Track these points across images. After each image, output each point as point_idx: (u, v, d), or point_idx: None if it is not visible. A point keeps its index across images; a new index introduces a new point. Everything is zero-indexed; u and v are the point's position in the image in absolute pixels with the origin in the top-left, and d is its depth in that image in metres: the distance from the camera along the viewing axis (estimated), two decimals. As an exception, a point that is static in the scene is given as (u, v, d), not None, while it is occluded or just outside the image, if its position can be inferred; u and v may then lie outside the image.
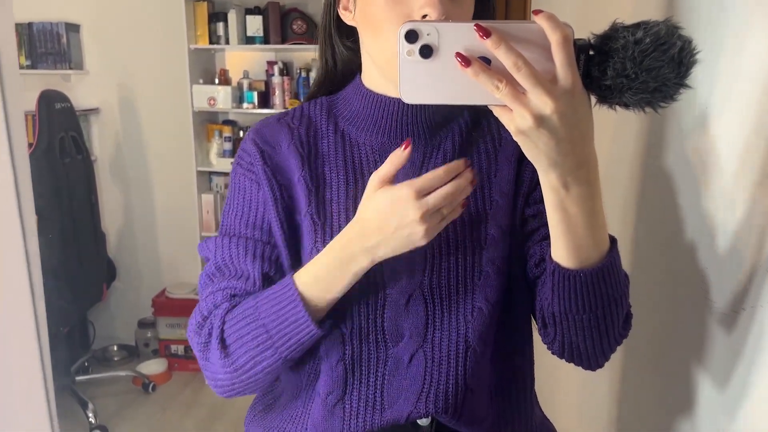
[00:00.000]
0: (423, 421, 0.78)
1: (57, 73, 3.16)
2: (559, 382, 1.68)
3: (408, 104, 0.76)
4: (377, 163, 0.79)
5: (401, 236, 0.68)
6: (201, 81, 2.98)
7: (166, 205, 3.38)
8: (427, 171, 0.74)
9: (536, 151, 0.57)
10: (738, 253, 0.77)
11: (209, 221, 3.10)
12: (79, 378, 2.98)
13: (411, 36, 0.56)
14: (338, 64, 0.87)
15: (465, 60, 0.54)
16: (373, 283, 0.77)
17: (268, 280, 0.79)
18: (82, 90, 3.26)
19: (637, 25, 0.56)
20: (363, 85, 0.83)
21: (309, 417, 0.81)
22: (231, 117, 3.22)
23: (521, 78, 0.53)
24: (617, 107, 0.59)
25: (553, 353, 0.78)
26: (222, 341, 0.76)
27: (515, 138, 0.57)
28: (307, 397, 0.83)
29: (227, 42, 2.96)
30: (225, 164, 3.05)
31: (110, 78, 3.25)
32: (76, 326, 3.25)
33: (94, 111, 3.28)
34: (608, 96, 0.57)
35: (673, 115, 0.95)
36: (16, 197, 1.53)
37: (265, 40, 2.97)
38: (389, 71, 0.75)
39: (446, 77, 0.57)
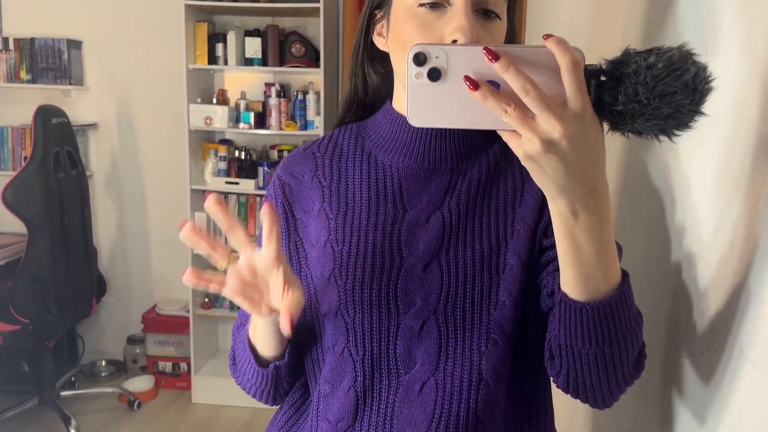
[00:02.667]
0: None
1: (57, 88, 3.19)
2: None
3: (438, 129, 0.79)
4: (401, 186, 0.82)
5: None
6: (199, 100, 3.00)
7: (160, 222, 3.38)
8: (453, 199, 0.80)
9: (544, 177, 0.56)
10: (700, 298, 0.77)
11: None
12: (64, 393, 2.97)
13: (419, 58, 0.56)
14: (368, 90, 0.88)
15: (473, 83, 0.54)
16: (386, 308, 0.77)
17: None
18: (81, 105, 3.29)
19: (649, 51, 0.55)
20: (393, 109, 0.84)
21: None
22: (227, 136, 3.25)
23: (530, 101, 0.52)
24: (630, 134, 0.57)
25: (558, 387, 0.75)
26: (234, 358, 0.88)
27: (524, 163, 0.56)
28: (311, 421, 0.83)
29: (226, 63, 2.99)
30: (219, 183, 3.06)
31: (109, 94, 3.28)
32: (64, 340, 3.24)
33: (93, 126, 3.31)
34: (620, 122, 0.56)
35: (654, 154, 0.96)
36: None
37: (264, 62, 2.99)
38: None
39: (454, 101, 0.56)
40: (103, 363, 3.37)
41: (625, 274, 0.66)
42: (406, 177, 0.82)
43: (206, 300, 3.18)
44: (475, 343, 0.77)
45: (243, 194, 3.17)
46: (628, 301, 0.66)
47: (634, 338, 0.68)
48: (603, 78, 0.56)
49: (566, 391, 0.74)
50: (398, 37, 0.76)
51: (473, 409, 0.76)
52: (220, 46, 2.97)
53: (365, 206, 0.82)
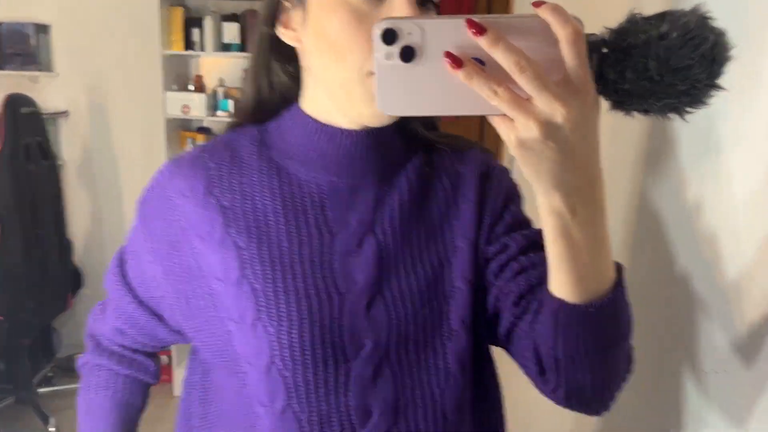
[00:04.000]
0: None
1: (25, 74, 3.07)
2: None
3: (360, 136, 0.69)
4: (324, 206, 0.70)
5: None
6: (175, 87, 2.91)
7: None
8: (384, 217, 0.70)
9: (539, 168, 0.48)
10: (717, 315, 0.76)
11: (180, 230, 3.03)
12: (41, 390, 2.89)
13: (389, 36, 0.47)
14: (275, 91, 0.74)
15: (456, 60, 0.45)
16: (333, 356, 0.66)
17: (119, 333, 0.83)
18: (50, 92, 3.17)
19: (660, 17, 0.47)
20: (304, 113, 0.71)
21: None
22: (205, 125, 3.16)
23: (525, 81, 0.44)
24: (636, 114, 0.50)
25: (555, 401, 0.67)
26: (81, 385, 0.87)
27: (514, 152, 0.47)
28: None
29: (203, 48, 2.90)
30: (198, 173, 2.99)
31: (80, 81, 3.17)
32: (38, 335, 3.15)
33: (63, 114, 3.19)
34: (627, 101, 0.49)
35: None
36: None
37: (242, 47, 2.91)
38: (347, 98, 0.66)
39: (432, 83, 0.47)
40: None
41: (619, 267, 0.59)
42: (328, 194, 0.70)
43: (186, 292, 3.13)
44: (434, 382, 0.69)
45: (222, 183, 3.10)
46: (626, 296, 0.59)
47: (630, 334, 0.62)
48: (605, 50, 0.48)
49: (565, 404, 0.65)
50: (321, 30, 0.64)
51: None
52: (196, 32, 2.88)
53: (283, 232, 0.68)
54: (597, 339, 0.58)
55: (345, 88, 0.65)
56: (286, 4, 0.68)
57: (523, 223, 0.75)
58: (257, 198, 0.70)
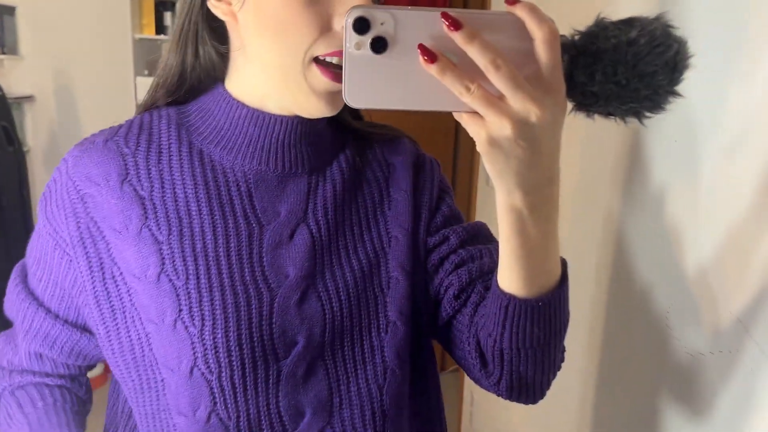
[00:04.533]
0: None
1: (-12, 56, 2.97)
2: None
3: (291, 122, 0.65)
4: (251, 195, 0.65)
5: None
6: (146, 72, 2.85)
7: (105, 201, 3.23)
8: (317, 208, 0.67)
9: (505, 167, 0.47)
10: (708, 297, 0.76)
11: (151, 219, 2.98)
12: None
13: (361, 25, 0.45)
14: (198, 69, 0.67)
15: (430, 55, 0.44)
16: (262, 357, 0.62)
17: (36, 358, 0.71)
18: (15, 76, 3.07)
19: (629, 23, 0.48)
20: (230, 95, 0.66)
21: None
22: (177, 111, 3.11)
23: (500, 80, 0.43)
24: (598, 116, 0.51)
25: (495, 393, 0.67)
26: None
27: (483, 150, 0.46)
28: None
29: (175, 33, 2.85)
30: (169, 160, 2.94)
31: (46, 64, 3.08)
32: (1, 325, 3.06)
33: (28, 99, 3.10)
34: (592, 104, 0.49)
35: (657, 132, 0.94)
36: None
37: (215, 32, 2.87)
38: (285, 85, 0.62)
39: (402, 76, 0.46)
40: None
41: (564, 263, 0.60)
42: (255, 183, 0.66)
43: (157, 282, 3.07)
44: (371, 377, 0.66)
45: (194, 172, 3.06)
46: (568, 291, 0.60)
47: (568, 324, 0.63)
48: (575, 53, 0.49)
49: (507, 395, 0.66)
50: (263, 6, 0.59)
51: None
52: (168, 15, 2.83)
53: (208, 224, 0.64)
54: (541, 332, 0.58)
55: (283, 73, 0.61)
56: None
57: (458, 215, 0.75)
58: (178, 187, 0.64)
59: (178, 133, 0.67)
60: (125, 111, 3.01)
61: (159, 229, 0.63)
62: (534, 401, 0.67)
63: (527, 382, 0.63)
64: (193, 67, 0.67)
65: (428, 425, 0.75)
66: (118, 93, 2.99)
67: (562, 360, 0.67)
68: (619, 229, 1.04)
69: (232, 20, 0.62)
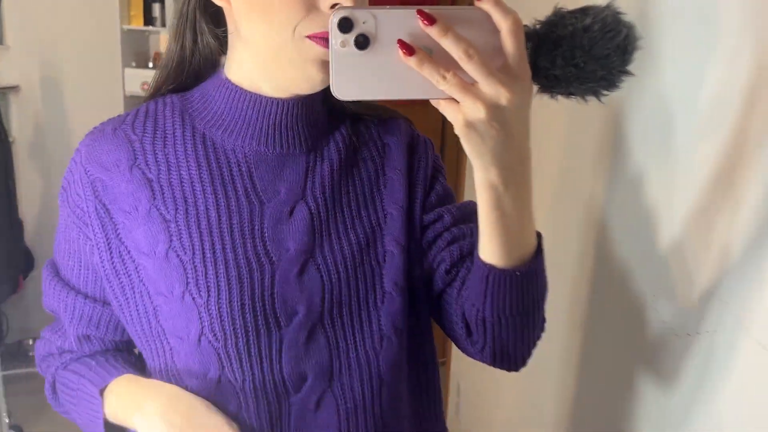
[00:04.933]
0: None
1: (-28, 46, 2.94)
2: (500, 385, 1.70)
3: (287, 105, 0.69)
4: (252, 176, 0.70)
5: None
6: (134, 64, 2.84)
7: (92, 193, 3.21)
8: (315, 185, 0.71)
9: (481, 146, 0.52)
10: (693, 278, 0.78)
11: (138, 211, 2.97)
12: (-11, 375, 2.79)
13: (345, 24, 0.50)
14: (198, 55, 0.72)
15: (408, 48, 0.49)
16: (265, 325, 0.66)
17: (86, 340, 0.77)
18: (1, 66, 3.04)
19: (583, 12, 0.54)
20: (230, 80, 0.70)
21: None
22: (165, 103, 3.10)
23: (473, 68, 0.48)
24: (561, 97, 0.57)
25: (479, 360, 0.73)
26: (54, 391, 0.79)
27: (460, 132, 0.51)
28: None
29: (163, 24, 2.84)
30: (157, 152, 2.93)
31: (33, 54, 3.05)
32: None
33: (14, 89, 3.07)
34: (555, 86, 0.55)
35: (636, 121, 0.96)
36: None
37: (204, 24, 2.86)
38: (277, 63, 0.65)
39: (384, 69, 0.51)
40: (30, 342, 3.19)
41: (539, 235, 0.64)
42: (255, 164, 0.70)
43: (144, 274, 3.07)
44: (368, 345, 0.70)
45: (182, 164, 3.05)
46: (544, 262, 0.66)
47: (546, 295, 0.69)
48: (537, 41, 0.55)
49: (490, 361, 0.71)
50: None
51: (378, 414, 0.71)
52: (156, 6, 2.82)
53: (212, 203, 0.68)
54: (520, 300, 0.64)
55: (274, 52, 0.64)
56: None
57: (450, 194, 0.79)
58: (183, 169, 0.69)
59: (181, 118, 0.71)
60: (113, 102, 2.99)
61: (166, 208, 0.68)
62: (516, 368, 0.73)
63: (508, 349, 0.69)
64: (193, 54, 0.71)
65: (426, 400, 0.79)
66: (106, 84, 2.97)
67: (542, 330, 0.72)
68: (602, 212, 1.06)
69: (226, 5, 0.66)
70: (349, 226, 0.72)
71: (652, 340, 0.88)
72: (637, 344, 0.92)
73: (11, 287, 2.75)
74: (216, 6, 0.67)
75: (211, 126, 0.71)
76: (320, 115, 0.73)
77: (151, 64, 2.93)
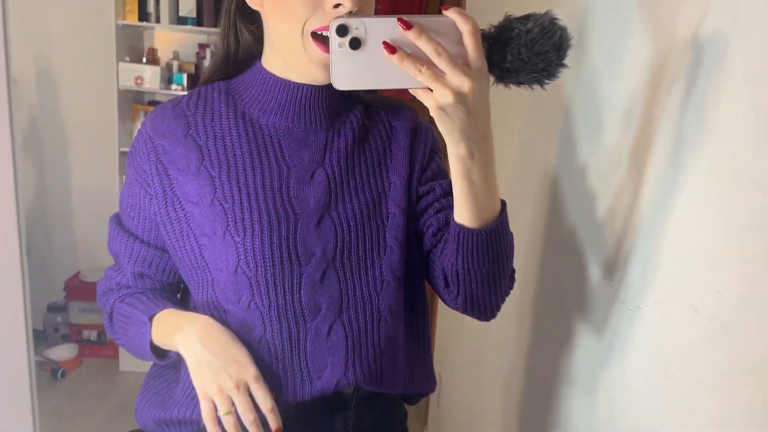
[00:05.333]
0: (346, 390, 0.86)
1: (-32, 38, 2.96)
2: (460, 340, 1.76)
3: (310, 89, 0.84)
4: (281, 145, 0.85)
5: (207, 376, 0.77)
6: (127, 59, 2.87)
7: (85, 185, 3.24)
8: (332, 155, 0.86)
9: (451, 125, 0.65)
10: (636, 251, 0.84)
11: (130, 204, 3.00)
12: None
13: (341, 30, 0.64)
14: (240, 49, 0.88)
15: (390, 48, 0.63)
16: (288, 261, 0.82)
17: (141, 277, 0.91)
18: (-5, 58, 3.06)
19: (526, 18, 0.67)
20: (264, 69, 0.86)
21: None
22: (158, 98, 3.13)
23: (441, 62, 0.62)
24: (512, 86, 0.70)
25: (454, 308, 0.88)
26: (111, 322, 0.93)
27: (434, 114, 0.65)
28: None
29: (158, 20, 2.86)
30: (150, 146, 2.96)
31: (28, 47, 3.08)
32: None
33: (9, 82, 3.10)
34: (507, 76, 0.68)
35: (585, 118, 1.02)
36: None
37: (198, 21, 2.89)
38: (293, 57, 0.80)
39: (373, 65, 0.65)
40: (22, 332, 3.22)
41: (503, 203, 0.79)
42: (284, 136, 0.86)
43: (135, 267, 3.10)
44: (371, 285, 0.85)
45: (174, 158, 3.08)
46: (507, 224, 0.80)
47: (511, 254, 0.84)
48: (492, 41, 0.68)
49: (463, 310, 0.87)
50: None
51: (377, 343, 0.85)
52: (151, 3, 2.84)
53: (248, 165, 0.84)
54: (486, 255, 0.79)
55: (290, 46, 0.79)
56: None
57: (443, 172, 0.93)
58: (227, 138, 0.85)
59: (227, 99, 0.88)
60: (106, 96, 3.02)
61: (212, 167, 0.84)
62: (486, 318, 0.89)
63: (478, 298, 0.84)
64: (236, 50, 0.88)
65: (418, 342, 0.95)
66: (100, 78, 3.00)
67: (511, 286, 0.88)
68: (554, 183, 1.13)
69: (260, 8, 0.82)
70: (359, 190, 0.87)
71: (600, 309, 0.94)
72: (585, 312, 0.98)
73: (3, 277, 2.78)
74: (252, 9, 0.83)
75: (250, 105, 0.87)
76: (338, 100, 0.88)
77: (144, 59, 2.96)
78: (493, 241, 0.78)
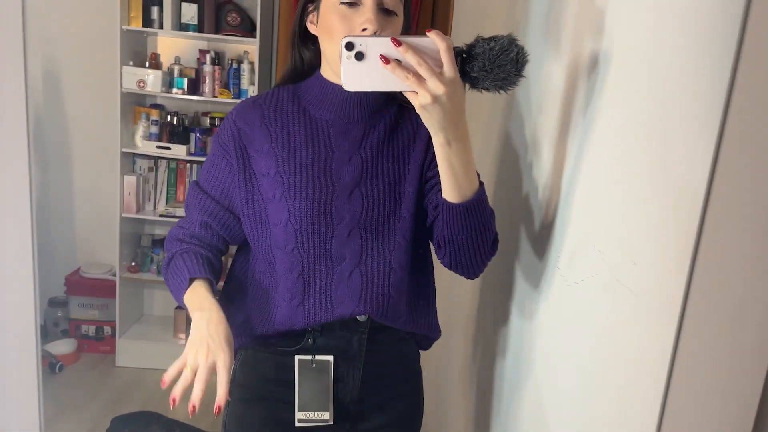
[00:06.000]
0: (361, 318, 1.11)
1: (-23, 40, 3.05)
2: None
3: (353, 92, 1.05)
4: (329, 133, 1.11)
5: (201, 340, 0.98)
6: (131, 63, 2.97)
7: (86, 184, 3.33)
8: (367, 144, 1.11)
9: (431, 120, 0.88)
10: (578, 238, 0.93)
11: (130, 203, 3.09)
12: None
13: (349, 46, 0.86)
14: (303, 63, 1.15)
15: (385, 60, 0.85)
16: (324, 220, 1.08)
17: (205, 226, 1.14)
18: (3, 60, 3.16)
19: (491, 38, 0.86)
20: (322, 76, 1.12)
21: (276, 314, 1.10)
22: (159, 101, 3.23)
23: (422, 71, 0.84)
24: (483, 91, 0.89)
25: (444, 266, 1.12)
26: (168, 265, 1.13)
27: (418, 111, 0.87)
28: (271, 302, 1.12)
29: (161, 26, 2.96)
30: (150, 147, 3.06)
31: (34, 50, 3.16)
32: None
33: (15, 83, 3.19)
34: (476, 84, 0.88)
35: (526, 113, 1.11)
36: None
37: (199, 28, 2.99)
38: (338, 67, 0.98)
39: (373, 72, 0.86)
40: (22, 326, 3.30)
41: (481, 183, 1.00)
42: (332, 126, 1.11)
43: (133, 264, 3.19)
44: (386, 245, 1.10)
45: (174, 159, 3.17)
46: (484, 200, 1.01)
47: (490, 226, 1.05)
48: (464, 56, 0.87)
49: (450, 267, 1.11)
50: (325, 25, 1.03)
51: (387, 288, 1.10)
52: (155, 9, 2.95)
53: (304, 147, 1.10)
54: (465, 224, 1.01)
55: (334, 59, 1.02)
56: (310, 7, 1.09)
57: None
58: (291, 126, 1.11)
59: (293, 98, 1.14)
60: (109, 98, 3.12)
61: (277, 148, 1.10)
62: (471, 276, 1.12)
63: (463, 260, 1.08)
64: (301, 65, 1.16)
65: (421, 298, 1.19)
66: (104, 81, 3.10)
67: (493, 252, 1.10)
68: (512, 169, 1.22)
69: (317, 32, 1.08)
70: (385, 172, 1.11)
71: (544, 285, 1.04)
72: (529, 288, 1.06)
73: (5, 271, 2.86)
74: (311, 33, 1.11)
75: (309, 103, 1.13)
76: (376, 100, 1.13)
77: (147, 64, 3.06)
78: (472, 212, 0.99)
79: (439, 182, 1.03)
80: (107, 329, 3.25)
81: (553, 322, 1.03)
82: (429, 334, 1.22)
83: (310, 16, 1.10)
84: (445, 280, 1.48)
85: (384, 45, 0.85)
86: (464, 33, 2.25)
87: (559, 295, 1.01)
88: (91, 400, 2.86)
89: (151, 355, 3.09)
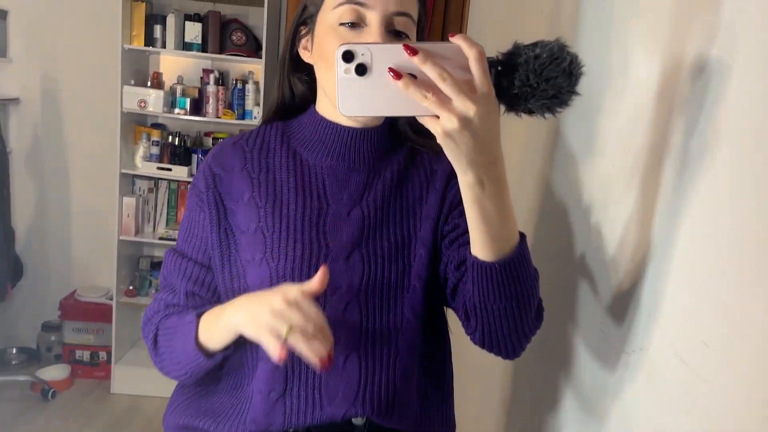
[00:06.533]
0: (357, 421, 0.86)
1: (-24, 58, 3.00)
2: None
3: (356, 132, 0.89)
4: (324, 182, 0.91)
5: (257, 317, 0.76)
6: (132, 82, 2.91)
7: (84, 205, 3.25)
8: (370, 196, 0.90)
9: (458, 152, 0.64)
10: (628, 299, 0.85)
11: (129, 225, 3.01)
12: (-28, 381, 2.81)
13: (347, 56, 0.63)
14: (294, 96, 0.97)
15: (396, 74, 0.61)
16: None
17: (192, 296, 0.92)
18: (3, 78, 3.11)
19: (535, 44, 0.66)
20: (317, 113, 0.93)
21: (248, 412, 0.87)
22: (161, 121, 3.16)
23: (447, 87, 0.60)
24: (522, 114, 0.68)
25: (475, 343, 0.85)
26: (155, 343, 0.92)
27: (441, 141, 0.63)
28: (244, 395, 0.89)
29: (164, 46, 2.91)
30: (150, 168, 2.98)
31: (34, 68, 3.12)
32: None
33: (14, 101, 3.14)
34: (515, 103, 0.67)
35: (580, 137, 1.03)
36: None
37: (203, 47, 2.94)
38: (333, 101, 0.84)
39: (379, 91, 0.63)
40: (14, 350, 3.21)
41: (522, 236, 0.76)
42: (328, 174, 0.91)
43: (130, 288, 3.10)
44: (391, 322, 0.87)
45: (175, 181, 3.10)
46: (527, 257, 0.77)
47: (535, 290, 0.79)
48: (500, 67, 0.66)
49: (482, 345, 0.84)
50: (322, 50, 0.85)
51: (392, 380, 0.86)
52: (158, 28, 2.90)
53: (293, 198, 0.89)
54: (502, 289, 0.75)
55: (332, 90, 0.84)
56: (303, 30, 0.91)
57: None
58: (277, 172, 0.92)
59: (281, 138, 0.95)
60: (109, 118, 3.05)
61: (260, 198, 0.90)
62: (509, 357, 0.84)
63: (497, 335, 0.81)
64: (291, 98, 0.96)
65: (436, 391, 0.93)
66: (104, 100, 3.04)
67: (537, 325, 0.84)
68: (564, 218, 1.13)
69: (311, 60, 0.90)
70: (391, 230, 0.90)
71: (597, 357, 0.94)
72: (583, 353, 0.98)
73: (0, 295, 2.78)
74: (304, 62, 0.92)
75: (301, 145, 0.93)
76: (383, 142, 0.93)
77: (149, 83, 3.00)
78: (510, 274, 0.74)
79: (463, 234, 0.86)
80: (102, 354, 3.15)
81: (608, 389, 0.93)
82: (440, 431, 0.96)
83: (303, 41, 0.92)
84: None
85: (394, 54, 0.62)
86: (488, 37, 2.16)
87: (606, 362, 0.90)
88: (85, 428, 2.75)
89: (148, 382, 2.99)
